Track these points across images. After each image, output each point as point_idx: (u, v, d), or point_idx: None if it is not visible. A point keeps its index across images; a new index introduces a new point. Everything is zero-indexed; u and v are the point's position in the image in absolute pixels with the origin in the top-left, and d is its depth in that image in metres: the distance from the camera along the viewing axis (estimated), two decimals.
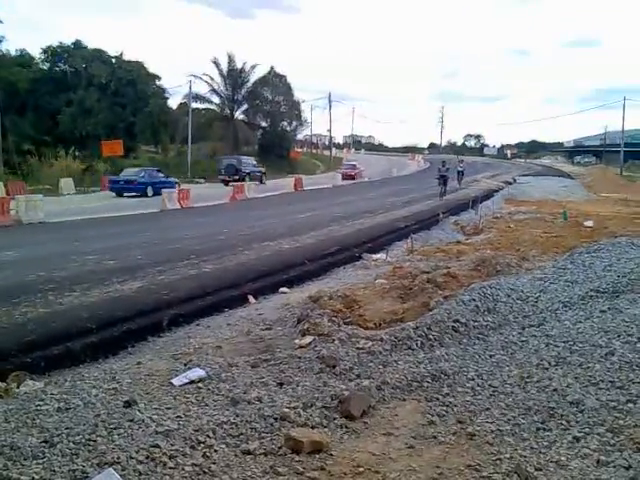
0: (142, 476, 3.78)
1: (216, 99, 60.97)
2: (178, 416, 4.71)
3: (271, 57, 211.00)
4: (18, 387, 5.79)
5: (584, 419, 4.51)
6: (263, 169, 46.19)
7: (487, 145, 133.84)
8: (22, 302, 8.52)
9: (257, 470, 3.97)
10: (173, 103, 59.60)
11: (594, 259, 9.15)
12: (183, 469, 3.90)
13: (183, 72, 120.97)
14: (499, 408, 4.85)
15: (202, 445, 4.22)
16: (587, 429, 4.37)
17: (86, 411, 4.78)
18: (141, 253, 12.82)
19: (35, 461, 3.93)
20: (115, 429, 4.40)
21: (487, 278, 9.32)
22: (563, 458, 4.02)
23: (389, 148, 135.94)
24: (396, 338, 6.51)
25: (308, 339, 6.80)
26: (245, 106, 62.76)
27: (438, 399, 5.13)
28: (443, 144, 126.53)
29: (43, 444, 4.15)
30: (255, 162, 46.78)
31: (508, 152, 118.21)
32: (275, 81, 65.00)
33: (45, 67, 49.77)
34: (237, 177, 40.02)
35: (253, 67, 60.63)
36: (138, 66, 51.23)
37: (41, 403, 4.99)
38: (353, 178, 52.11)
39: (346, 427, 4.67)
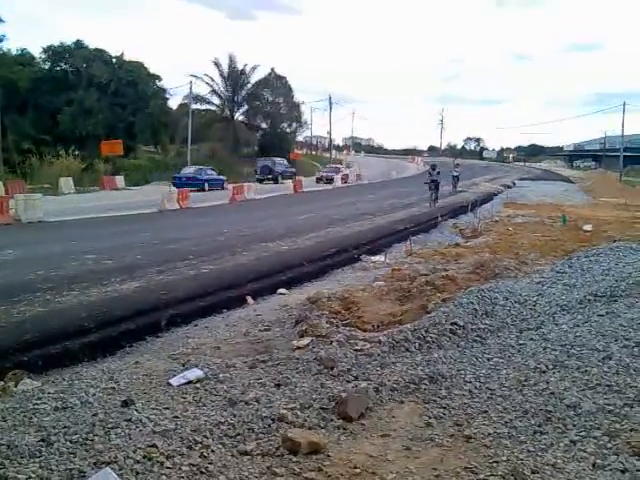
0: (139, 476, 3.78)
1: (216, 100, 61.32)
2: (175, 416, 4.71)
3: (272, 58, 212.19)
4: (16, 386, 5.79)
5: (581, 422, 4.51)
6: (294, 169, 52.06)
7: (487, 148, 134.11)
8: (21, 301, 8.52)
9: (254, 471, 3.97)
10: (173, 104, 59.80)
11: (592, 263, 9.15)
12: (180, 469, 3.90)
13: (184, 73, 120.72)
14: (496, 411, 4.85)
15: (199, 445, 4.22)
16: (584, 432, 4.37)
17: (83, 410, 4.78)
18: (140, 253, 12.82)
19: (32, 460, 3.93)
20: (112, 428, 4.40)
21: (485, 281, 9.32)
22: (559, 461, 4.01)
23: (389, 150, 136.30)
24: (394, 340, 6.51)
25: (306, 340, 6.80)
26: (245, 107, 63.02)
27: (435, 401, 5.13)
28: (443, 147, 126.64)
29: (40, 443, 4.15)
30: (287, 163, 52.56)
31: (510, 156, 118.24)
32: (275, 82, 65.18)
33: (46, 66, 49.92)
34: (271, 176, 45.94)
35: (253, 68, 60.94)
36: (139, 66, 51.38)
37: (38, 402, 4.99)
38: (332, 182, 46.92)
39: (343, 428, 4.67)
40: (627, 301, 7.18)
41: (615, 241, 12.33)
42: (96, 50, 50.57)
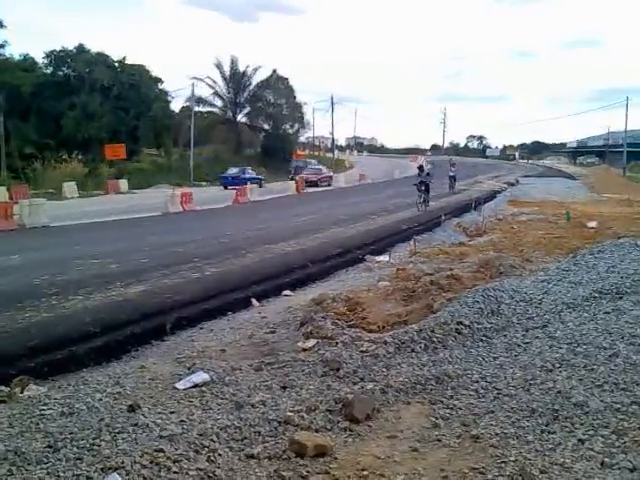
0: None
1: (219, 102, 61.47)
2: (182, 420, 4.70)
3: (273, 60, 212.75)
4: (22, 392, 5.79)
5: (588, 421, 4.49)
6: (325, 169, 56.34)
7: (490, 146, 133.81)
8: (26, 306, 8.54)
9: (261, 474, 3.96)
10: (176, 106, 59.94)
11: (597, 260, 9.12)
12: (187, 473, 3.89)
13: (186, 75, 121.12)
14: (503, 410, 4.83)
15: (206, 449, 4.22)
16: (591, 431, 4.35)
17: (90, 415, 4.78)
18: (144, 256, 12.83)
19: (39, 466, 3.93)
20: (119, 433, 4.40)
21: (491, 280, 9.30)
22: (567, 460, 4.00)
23: (391, 150, 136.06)
24: (399, 341, 6.49)
25: (311, 342, 6.79)
26: (247, 109, 63.11)
27: (442, 402, 5.11)
28: (445, 145, 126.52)
29: (47, 449, 4.15)
30: (317, 164, 58.11)
31: (516, 153, 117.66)
32: (277, 84, 65.16)
33: (48, 71, 50.06)
34: None
35: (255, 70, 61.07)
36: (141, 70, 51.53)
37: (45, 408, 5.00)
38: (317, 185, 44.47)
39: (350, 430, 4.65)
40: (633, 298, 7.16)
41: (620, 237, 12.26)
42: (98, 54, 50.73)
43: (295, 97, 68.02)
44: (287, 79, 66.81)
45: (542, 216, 22.16)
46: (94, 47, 52.37)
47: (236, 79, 60.81)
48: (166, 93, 54.35)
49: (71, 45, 50.89)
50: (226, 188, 38.51)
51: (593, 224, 18.74)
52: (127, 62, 51.56)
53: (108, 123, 46.77)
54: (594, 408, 4.65)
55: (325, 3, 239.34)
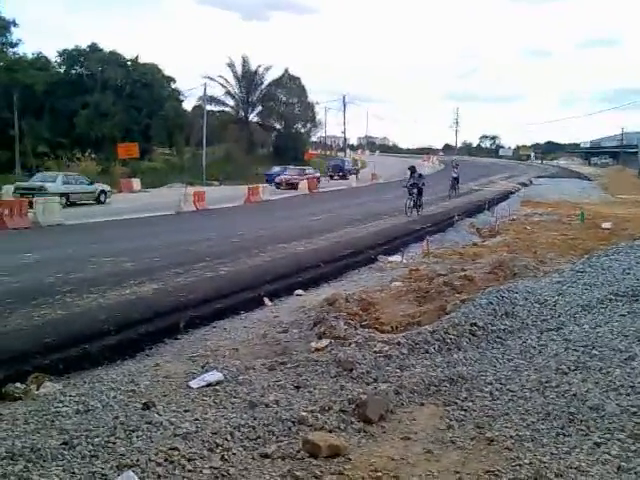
0: (161, 479, 3.80)
1: (231, 101, 61.46)
2: (196, 419, 4.72)
3: (285, 59, 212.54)
4: (37, 389, 5.85)
5: (604, 425, 4.45)
6: (358, 167, 62.43)
7: (503, 146, 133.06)
8: (40, 304, 8.61)
9: (275, 474, 3.97)
10: (188, 105, 60.10)
11: (612, 262, 9.03)
12: (201, 472, 3.91)
13: (198, 74, 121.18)
14: (518, 413, 4.80)
15: (220, 448, 4.23)
16: (607, 435, 4.31)
17: (105, 413, 4.82)
18: (158, 255, 12.88)
19: (55, 463, 3.97)
20: (134, 431, 4.43)
21: (504, 281, 9.25)
22: (583, 464, 3.96)
23: (403, 149, 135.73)
24: (413, 342, 6.48)
25: (325, 342, 6.79)
26: (259, 108, 63.08)
27: (456, 403, 5.09)
28: (458, 145, 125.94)
29: (62, 446, 4.18)
30: (353, 162, 63.62)
31: (531, 154, 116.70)
32: (289, 83, 65.14)
33: (61, 70, 50.33)
34: (341, 173, 53.33)
35: (267, 69, 61.03)
36: (153, 69, 51.69)
37: (60, 405, 5.04)
38: (295, 188, 38.34)
39: (364, 431, 4.65)
40: None
41: (635, 239, 12.15)
42: (111, 53, 50.94)
43: (307, 96, 68.09)
44: (299, 78, 66.87)
45: (556, 217, 22.05)
46: (107, 46, 52.74)
47: (248, 78, 60.83)
48: (178, 92, 54.56)
49: (84, 44, 51.25)
50: (270, 183, 39.54)
51: (608, 225, 18.61)
52: (140, 61, 51.77)
53: (121, 122, 46.97)
54: (610, 411, 4.60)
55: (337, 2, 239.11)
